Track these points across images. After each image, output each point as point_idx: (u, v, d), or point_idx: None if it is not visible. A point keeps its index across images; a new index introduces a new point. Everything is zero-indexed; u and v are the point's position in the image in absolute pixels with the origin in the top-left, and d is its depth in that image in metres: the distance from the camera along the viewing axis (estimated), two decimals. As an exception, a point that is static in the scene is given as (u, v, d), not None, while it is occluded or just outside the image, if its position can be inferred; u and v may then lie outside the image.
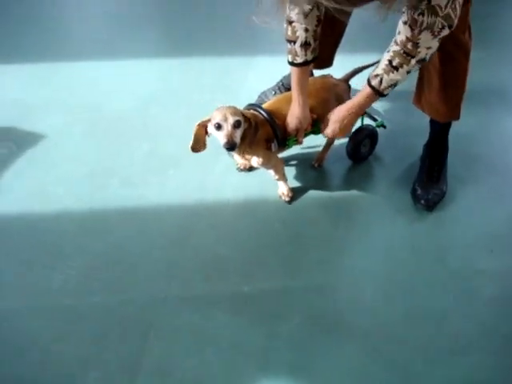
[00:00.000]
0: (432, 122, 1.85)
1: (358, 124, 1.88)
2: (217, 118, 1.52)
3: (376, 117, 1.94)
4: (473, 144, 2.03)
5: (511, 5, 2.97)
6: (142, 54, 2.49)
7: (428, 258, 1.64)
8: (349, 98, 1.84)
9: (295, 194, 1.82)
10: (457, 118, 1.78)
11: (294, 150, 1.89)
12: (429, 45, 1.39)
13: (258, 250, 1.66)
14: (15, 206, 1.78)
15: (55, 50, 2.51)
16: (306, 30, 1.53)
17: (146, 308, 1.50)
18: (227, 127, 1.51)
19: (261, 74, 2.28)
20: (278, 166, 1.75)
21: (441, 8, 1.30)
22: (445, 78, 1.68)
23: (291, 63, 1.60)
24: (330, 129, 1.67)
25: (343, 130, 1.67)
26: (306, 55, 1.57)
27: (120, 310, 1.49)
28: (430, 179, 1.81)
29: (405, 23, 1.37)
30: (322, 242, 1.69)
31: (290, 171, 1.90)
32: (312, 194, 1.84)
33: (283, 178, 1.79)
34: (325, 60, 2.02)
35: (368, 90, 1.55)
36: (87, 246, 1.66)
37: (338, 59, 2.04)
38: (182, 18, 2.75)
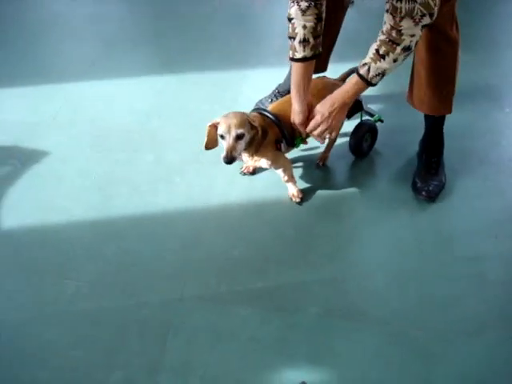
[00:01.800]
0: (426, 116, 1.91)
1: (357, 120, 1.95)
2: (221, 128, 1.55)
3: (373, 113, 2.00)
4: (465, 138, 2.09)
5: (491, 13, 3.12)
6: (139, 72, 2.54)
7: (434, 246, 1.69)
8: None
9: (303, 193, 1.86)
10: (449, 111, 1.83)
11: (296, 152, 1.94)
12: (412, 32, 1.45)
13: (268, 249, 1.69)
14: (25, 220, 1.79)
15: (52, 72, 2.54)
16: (304, 27, 1.56)
17: (163, 309, 1.52)
18: (229, 140, 1.54)
19: (255, 85, 2.34)
20: (287, 166, 1.78)
21: None
22: (434, 72, 1.74)
23: (291, 58, 1.63)
24: (318, 122, 1.65)
25: (334, 124, 1.67)
26: (304, 51, 1.60)
27: (136, 312, 1.51)
28: (428, 171, 1.86)
29: (387, 11, 1.44)
30: (330, 237, 1.72)
31: (296, 172, 1.94)
32: (317, 192, 1.88)
33: (292, 179, 1.82)
34: (320, 65, 2.08)
35: (356, 78, 1.58)
36: (99, 253, 1.67)
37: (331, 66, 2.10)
38: (174, 36, 2.81)
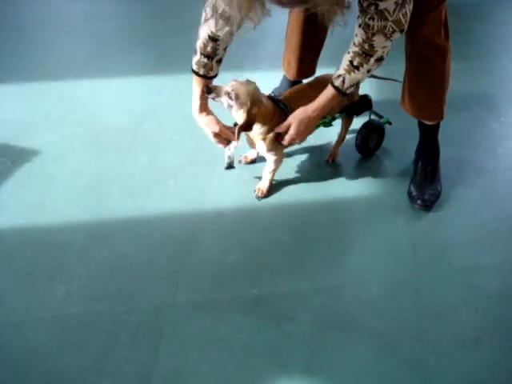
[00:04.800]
0: (420, 124, 1.90)
1: (365, 119, 1.96)
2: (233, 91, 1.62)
3: (382, 115, 2.02)
4: (461, 147, 2.09)
5: (488, 21, 3.13)
6: (134, 72, 2.52)
7: (430, 255, 1.68)
8: (358, 94, 1.89)
9: (297, 196, 1.85)
10: (440, 118, 1.84)
11: (299, 155, 1.93)
12: (384, 45, 1.47)
13: (263, 255, 1.67)
14: (15, 220, 1.75)
15: (46, 71, 2.51)
16: (225, 49, 1.62)
17: (155, 315, 1.49)
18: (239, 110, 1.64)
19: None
20: (279, 160, 1.80)
21: (389, 13, 1.38)
22: (423, 80, 1.76)
23: (204, 76, 1.65)
24: (292, 131, 1.66)
25: (304, 133, 1.69)
26: (217, 70, 1.67)
27: (128, 318, 1.48)
28: (424, 180, 1.86)
29: (359, 26, 1.45)
30: (325, 244, 1.71)
31: (292, 176, 1.95)
32: (313, 198, 1.86)
33: (273, 175, 1.84)
34: (308, 68, 2.10)
35: (332, 90, 1.59)
36: (90, 256, 1.64)
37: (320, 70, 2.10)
38: (170, 37, 2.79)
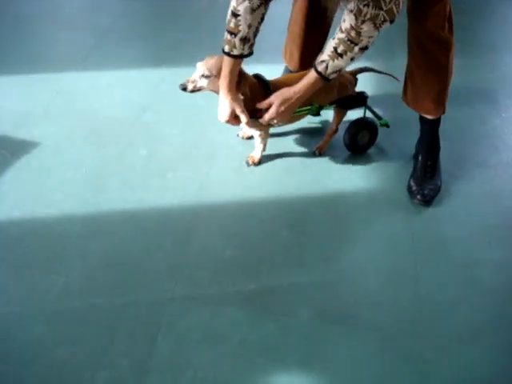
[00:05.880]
0: (421, 118, 1.89)
1: (357, 115, 1.94)
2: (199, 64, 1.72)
3: (380, 116, 2.00)
4: (462, 142, 2.08)
5: (491, 16, 3.12)
6: (134, 65, 2.51)
7: (429, 250, 1.67)
8: (353, 90, 1.89)
9: (296, 190, 1.85)
10: (442, 112, 1.84)
11: (292, 144, 1.91)
12: (371, 34, 1.47)
13: (262, 249, 1.66)
14: (13, 212, 1.74)
15: (46, 63, 2.49)
16: (249, 26, 1.58)
17: (153, 308, 1.48)
18: (195, 74, 1.71)
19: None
20: (264, 134, 1.85)
21: (385, 2, 1.38)
22: (426, 73, 1.75)
23: (227, 53, 1.64)
24: (272, 110, 1.68)
25: (284, 114, 1.70)
26: (243, 49, 1.62)
27: (125, 311, 1.47)
28: (424, 175, 1.85)
29: (351, 11, 1.44)
30: (324, 238, 1.70)
31: (292, 166, 1.95)
32: (312, 191, 1.86)
33: (263, 146, 1.90)
34: (311, 59, 2.06)
35: (314, 75, 1.60)
36: (88, 249, 1.64)
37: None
38: (170, 30, 2.78)
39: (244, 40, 1.60)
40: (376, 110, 2.02)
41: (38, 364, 1.35)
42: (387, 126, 1.97)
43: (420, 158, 1.89)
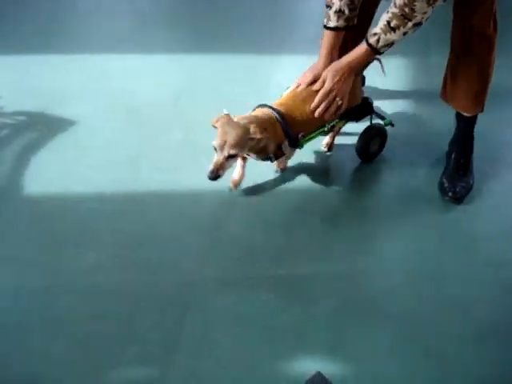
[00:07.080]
0: (458, 115, 1.88)
1: (366, 123, 1.91)
2: (217, 140, 1.50)
3: (384, 116, 1.96)
4: (496, 142, 2.07)
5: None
6: (171, 50, 2.54)
7: (456, 248, 1.67)
8: (360, 88, 1.84)
9: (330, 184, 1.85)
10: (480, 110, 1.82)
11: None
12: (424, 10, 1.46)
13: (292, 237, 1.68)
14: (48, 188, 1.79)
15: (86, 44, 2.55)
16: None
17: (182, 289, 1.51)
18: (219, 156, 1.50)
19: (286, 72, 2.30)
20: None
21: None
22: (468, 70, 1.73)
23: (324, 26, 1.66)
24: (328, 83, 1.64)
25: (339, 84, 1.64)
26: (337, 22, 1.64)
27: (156, 289, 1.51)
28: (456, 172, 1.84)
29: None
30: (353, 230, 1.71)
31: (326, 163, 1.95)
32: (345, 186, 1.89)
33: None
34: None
35: (366, 47, 1.59)
36: (120, 227, 1.67)
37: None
38: (207, 18, 2.80)
39: (338, 13, 1.62)
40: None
41: (66, 337, 1.39)
42: (392, 125, 1.92)
43: (453, 155, 1.88)
